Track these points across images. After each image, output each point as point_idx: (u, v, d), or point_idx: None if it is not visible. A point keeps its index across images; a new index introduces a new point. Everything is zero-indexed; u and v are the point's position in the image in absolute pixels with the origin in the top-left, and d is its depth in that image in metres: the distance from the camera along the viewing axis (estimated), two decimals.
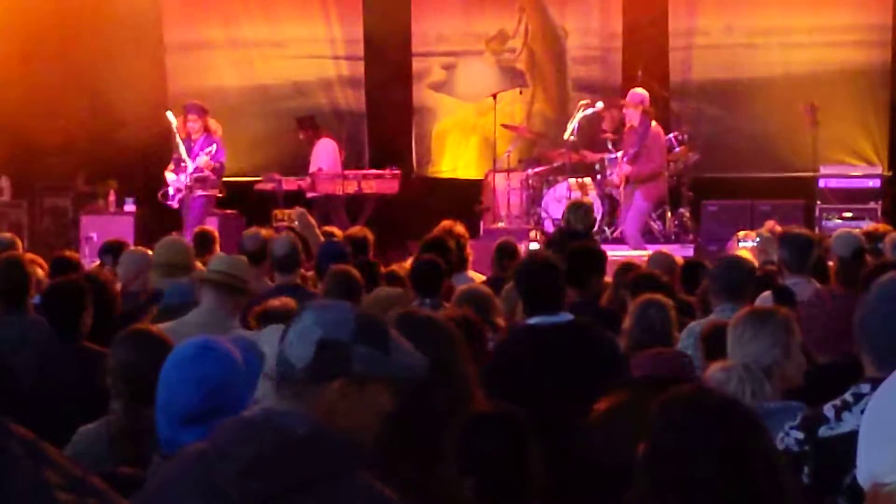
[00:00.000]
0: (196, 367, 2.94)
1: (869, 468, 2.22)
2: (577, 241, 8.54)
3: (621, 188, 13.14)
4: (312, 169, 14.57)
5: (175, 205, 13.02)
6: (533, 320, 5.26)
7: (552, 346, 5.08)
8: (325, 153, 14.63)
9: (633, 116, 13.17)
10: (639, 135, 13.04)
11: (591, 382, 4.96)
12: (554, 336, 5.15)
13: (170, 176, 13.02)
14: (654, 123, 13.26)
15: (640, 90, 13.44)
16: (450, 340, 3.56)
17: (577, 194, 13.32)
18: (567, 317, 5.31)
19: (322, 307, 2.58)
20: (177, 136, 12.77)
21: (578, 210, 10.05)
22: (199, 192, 12.91)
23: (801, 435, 3.35)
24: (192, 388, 2.92)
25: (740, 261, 6.53)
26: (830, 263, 7.77)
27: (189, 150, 12.84)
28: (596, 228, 13.05)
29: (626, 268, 7.27)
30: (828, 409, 3.35)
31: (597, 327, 5.43)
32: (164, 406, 2.97)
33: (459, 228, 9.05)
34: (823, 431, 3.30)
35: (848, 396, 3.33)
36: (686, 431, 2.48)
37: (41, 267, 7.82)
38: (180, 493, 2.37)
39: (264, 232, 8.36)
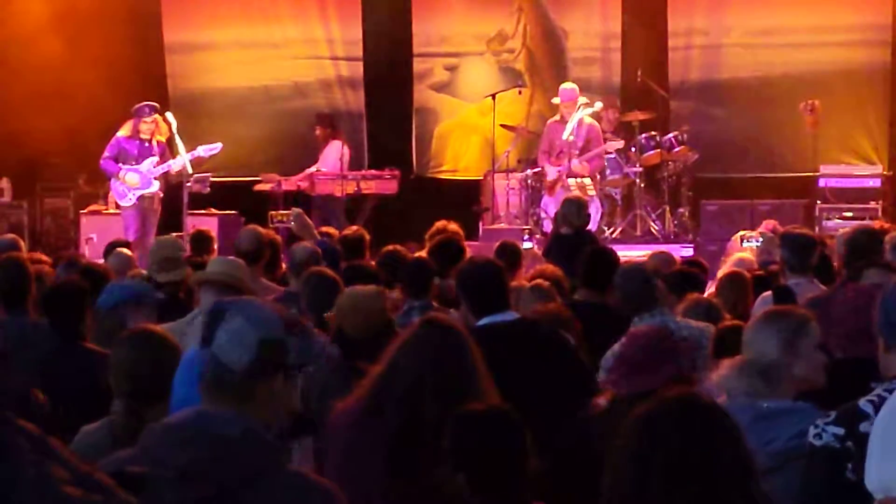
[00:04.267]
0: None
1: (881, 479, 2.20)
2: (577, 242, 8.52)
3: (563, 183, 13.31)
4: (318, 167, 14.58)
5: (129, 203, 12.60)
6: (482, 321, 5.27)
7: (503, 345, 5.07)
8: (331, 155, 14.59)
9: (566, 112, 13.38)
10: (579, 130, 13.21)
11: (543, 378, 5.04)
12: (504, 335, 5.18)
13: (131, 177, 12.53)
14: (587, 118, 13.43)
15: (569, 84, 13.67)
16: (469, 352, 3.82)
17: (576, 195, 13.33)
18: (513, 315, 5.37)
19: (247, 307, 2.65)
20: (176, 136, 12.72)
21: (574, 205, 10.03)
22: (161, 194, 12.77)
23: (840, 430, 3.28)
24: None
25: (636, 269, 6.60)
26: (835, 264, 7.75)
27: (149, 152, 12.58)
28: (595, 228, 13.09)
29: (633, 267, 7.22)
30: (864, 405, 3.29)
31: (544, 324, 5.49)
32: (178, 403, 2.97)
33: (453, 227, 9.05)
34: (865, 427, 3.24)
35: (883, 392, 3.28)
36: (655, 434, 2.47)
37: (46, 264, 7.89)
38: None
39: (262, 231, 8.34)
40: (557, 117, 13.80)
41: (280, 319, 2.60)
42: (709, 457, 2.45)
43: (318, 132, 14.93)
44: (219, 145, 12.88)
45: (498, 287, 5.40)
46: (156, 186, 12.59)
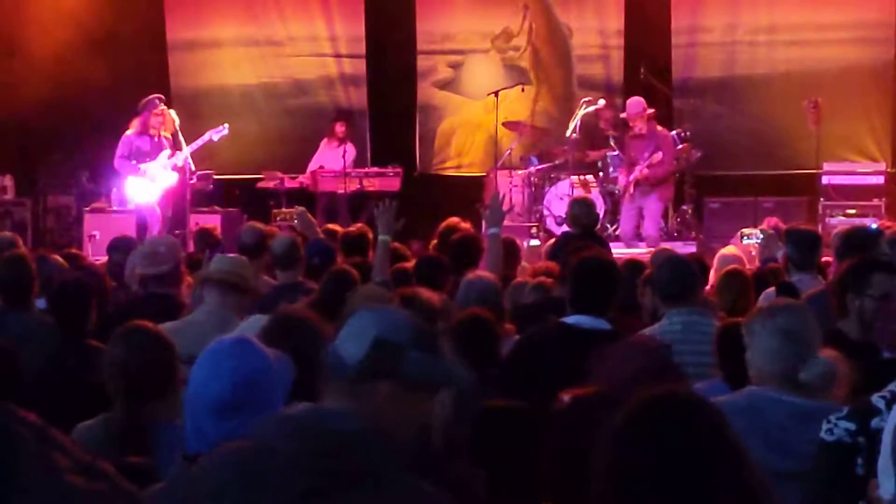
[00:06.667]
0: (231, 359, 2.93)
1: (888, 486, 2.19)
2: (583, 241, 8.45)
3: (630, 190, 13.06)
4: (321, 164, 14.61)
5: (154, 198, 12.72)
6: (571, 319, 5.06)
7: (579, 348, 4.92)
8: (335, 158, 14.55)
9: (639, 126, 13.09)
10: (647, 141, 12.99)
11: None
12: (584, 339, 4.91)
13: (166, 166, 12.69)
14: (658, 127, 13.20)
15: (638, 98, 13.38)
16: (315, 337, 3.67)
17: (579, 192, 13.30)
18: (605, 324, 5.03)
19: (380, 308, 2.62)
20: (179, 133, 12.74)
21: (583, 205, 9.94)
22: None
23: (852, 426, 3.31)
24: (225, 377, 2.90)
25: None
26: (828, 259, 7.74)
27: (160, 146, 12.67)
28: (599, 226, 13.07)
29: (633, 265, 7.21)
30: (877, 401, 3.31)
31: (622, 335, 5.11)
32: (193, 397, 2.95)
33: (465, 225, 9.03)
34: (877, 423, 3.25)
35: (895, 388, 3.30)
36: (637, 436, 2.44)
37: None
38: (221, 486, 2.38)
39: (264, 227, 8.34)
40: (635, 132, 13.30)
41: (411, 329, 2.52)
42: (693, 452, 2.41)
43: (337, 128, 14.88)
44: (226, 126, 12.92)
45: (601, 290, 5.08)
46: (174, 179, 12.65)
